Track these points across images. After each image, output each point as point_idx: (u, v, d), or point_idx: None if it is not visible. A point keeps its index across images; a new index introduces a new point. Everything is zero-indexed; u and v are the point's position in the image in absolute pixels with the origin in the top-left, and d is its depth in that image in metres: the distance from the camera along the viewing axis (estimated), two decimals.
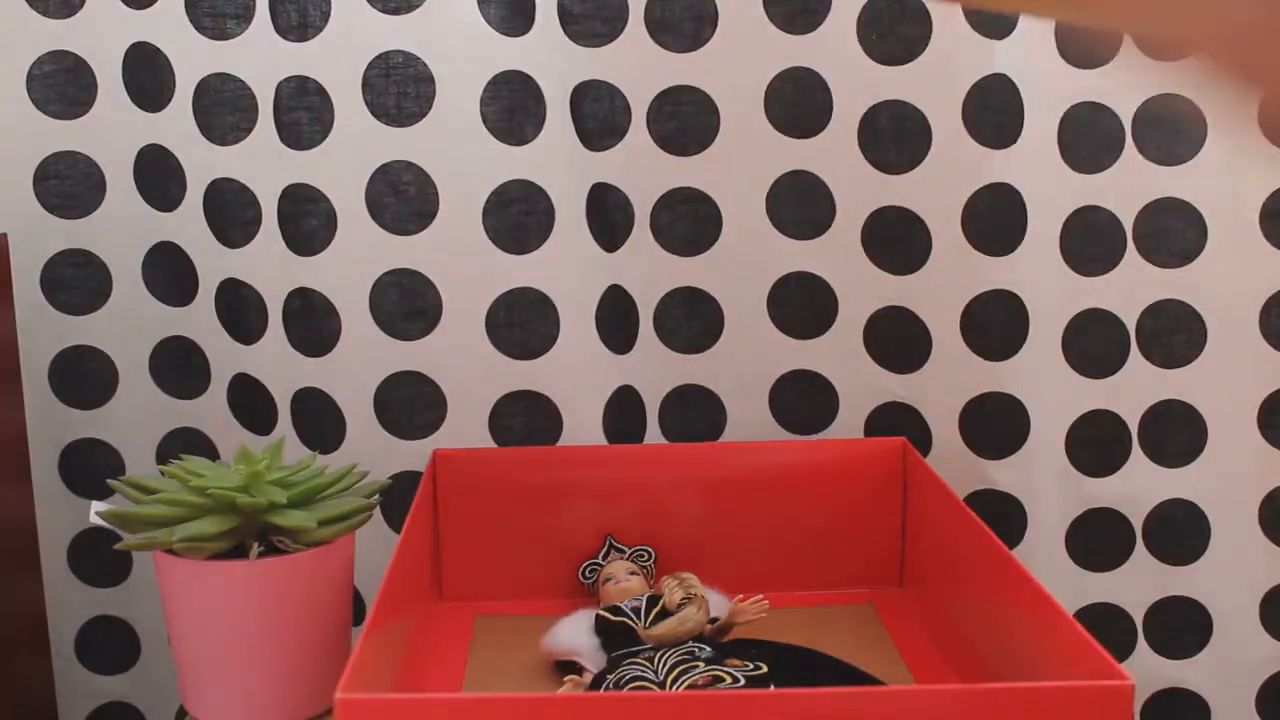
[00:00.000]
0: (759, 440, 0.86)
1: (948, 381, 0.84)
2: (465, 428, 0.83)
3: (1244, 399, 0.85)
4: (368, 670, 0.54)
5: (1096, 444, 0.85)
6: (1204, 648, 0.87)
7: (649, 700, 0.55)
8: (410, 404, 0.83)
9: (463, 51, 0.79)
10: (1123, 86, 0.81)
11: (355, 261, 0.81)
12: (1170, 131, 0.82)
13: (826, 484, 0.82)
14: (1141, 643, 0.88)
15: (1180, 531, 0.86)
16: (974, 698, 0.51)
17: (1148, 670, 0.88)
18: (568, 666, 0.70)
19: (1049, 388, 0.84)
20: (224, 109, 0.81)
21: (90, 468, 0.88)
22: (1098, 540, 0.86)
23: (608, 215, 0.84)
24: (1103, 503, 0.86)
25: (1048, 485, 0.85)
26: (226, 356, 0.85)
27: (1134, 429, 0.85)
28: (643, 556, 0.81)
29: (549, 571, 0.82)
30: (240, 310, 0.84)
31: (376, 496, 0.74)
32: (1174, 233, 0.83)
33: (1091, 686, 0.51)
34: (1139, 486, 0.86)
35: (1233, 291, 0.83)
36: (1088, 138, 0.82)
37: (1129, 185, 0.83)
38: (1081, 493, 0.86)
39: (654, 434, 0.87)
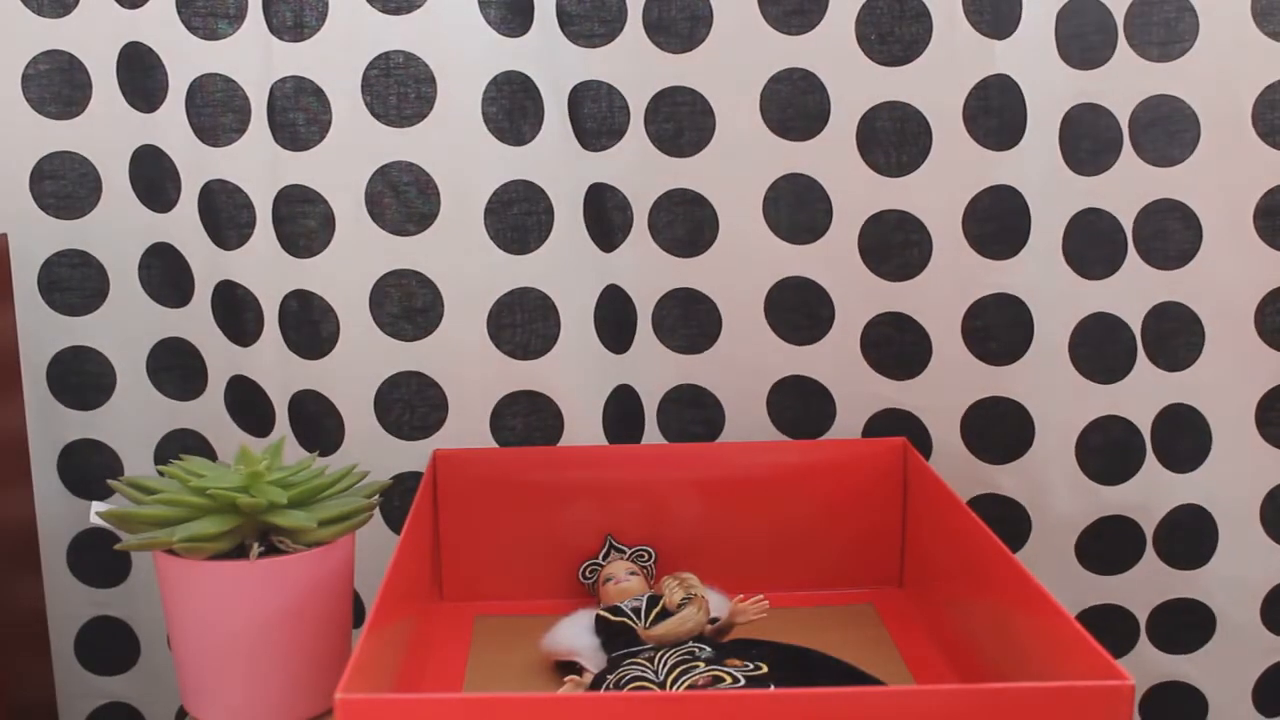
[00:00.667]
0: (750, 440, 0.86)
1: (948, 387, 0.84)
2: (467, 428, 0.83)
3: (1243, 398, 0.85)
4: (368, 670, 0.54)
5: (1108, 450, 0.84)
6: (1205, 644, 0.88)
7: (649, 700, 0.55)
8: (411, 405, 0.83)
9: (463, 51, 0.79)
10: (1121, 88, 0.81)
11: (355, 262, 0.81)
12: (1166, 132, 0.82)
13: (827, 484, 0.82)
14: (1142, 637, 0.88)
15: (1189, 536, 0.86)
16: (974, 698, 0.51)
17: (1146, 663, 0.88)
18: (568, 667, 0.70)
19: (1055, 393, 0.83)
20: (217, 110, 0.81)
21: (89, 468, 0.88)
22: (1109, 547, 0.86)
23: (606, 215, 0.84)
24: (1117, 510, 0.85)
25: (1054, 491, 0.84)
26: (224, 358, 0.85)
27: (1147, 434, 0.85)
28: (643, 557, 0.81)
29: (549, 572, 0.82)
30: (237, 312, 0.84)
31: (376, 497, 0.74)
32: (1171, 234, 0.83)
33: (1091, 687, 0.51)
34: (1153, 493, 0.85)
35: (1229, 291, 0.83)
36: (1088, 139, 0.82)
37: (1128, 187, 0.83)
38: (1094, 500, 0.85)
39: (652, 434, 0.87)
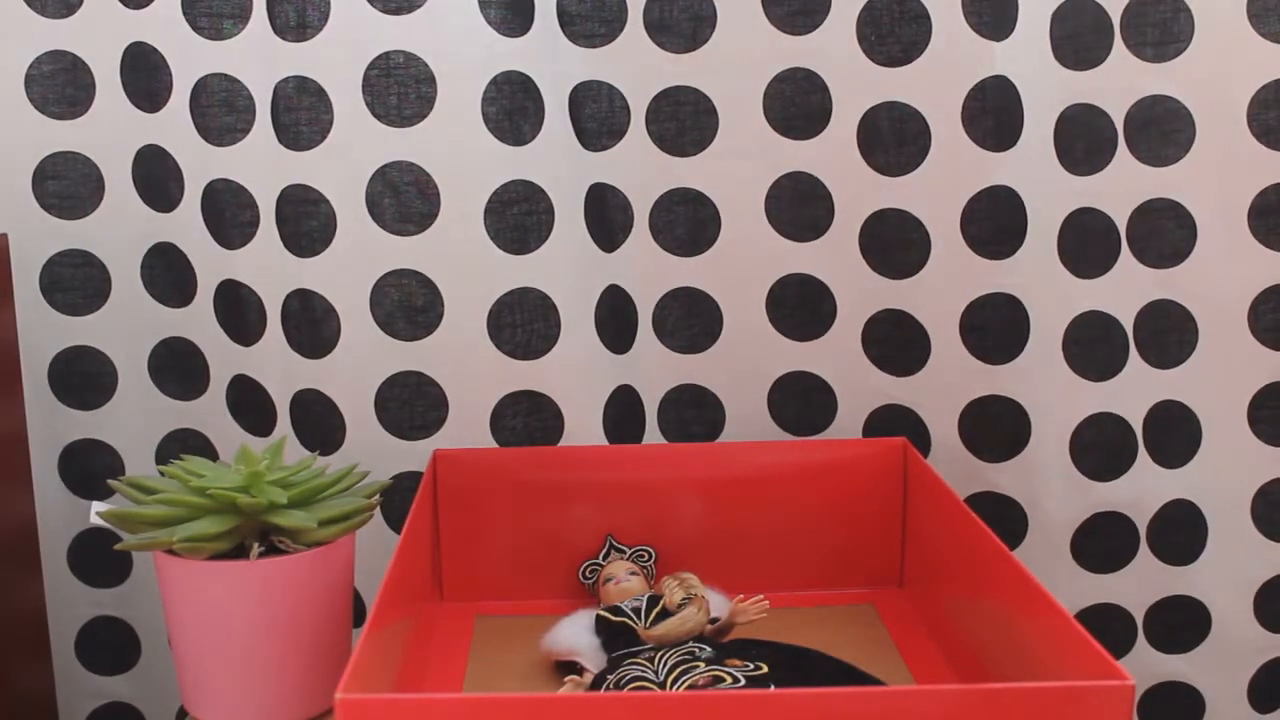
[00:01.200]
0: (758, 441, 0.86)
1: (947, 385, 0.84)
2: (467, 428, 0.83)
3: (1235, 396, 0.85)
4: (368, 670, 0.54)
5: (1102, 447, 0.85)
6: (1201, 643, 0.88)
7: (649, 700, 0.55)
8: (411, 404, 0.83)
9: (463, 52, 0.79)
10: (1117, 88, 0.82)
11: (355, 262, 0.81)
12: (1161, 132, 0.82)
13: (827, 484, 0.82)
14: (1140, 638, 0.88)
15: (1181, 532, 0.87)
16: (974, 698, 0.51)
17: (1144, 665, 0.88)
18: (568, 667, 0.71)
19: (1050, 391, 0.84)
20: (221, 110, 0.81)
21: (90, 468, 0.88)
22: (1104, 544, 0.86)
23: (607, 215, 0.85)
24: (1110, 506, 0.86)
25: (1050, 489, 0.85)
26: (226, 357, 0.85)
27: (1139, 431, 0.85)
28: (643, 557, 0.81)
29: (549, 572, 0.82)
30: (239, 311, 0.84)
31: (377, 497, 0.74)
32: (1165, 233, 0.83)
33: (1092, 687, 0.51)
34: (1145, 489, 0.86)
35: (1223, 290, 0.84)
36: (1084, 139, 0.82)
37: (1123, 187, 0.83)
38: (1088, 497, 0.85)
39: (652, 434, 0.87)
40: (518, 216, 0.81)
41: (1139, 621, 0.88)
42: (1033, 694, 0.51)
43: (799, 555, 0.83)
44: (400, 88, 0.79)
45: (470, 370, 0.83)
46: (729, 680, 0.62)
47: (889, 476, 0.83)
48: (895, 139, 0.82)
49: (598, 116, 0.83)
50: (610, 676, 0.66)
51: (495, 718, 0.51)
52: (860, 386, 0.86)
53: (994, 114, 0.80)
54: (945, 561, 0.76)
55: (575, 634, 0.72)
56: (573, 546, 0.82)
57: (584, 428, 0.84)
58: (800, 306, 0.85)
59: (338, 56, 0.79)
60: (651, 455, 0.84)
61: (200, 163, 0.82)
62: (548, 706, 0.52)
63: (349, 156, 0.80)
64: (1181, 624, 0.88)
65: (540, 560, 0.82)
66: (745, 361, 0.86)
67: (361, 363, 0.83)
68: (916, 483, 0.81)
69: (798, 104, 0.82)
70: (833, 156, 0.82)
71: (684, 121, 0.83)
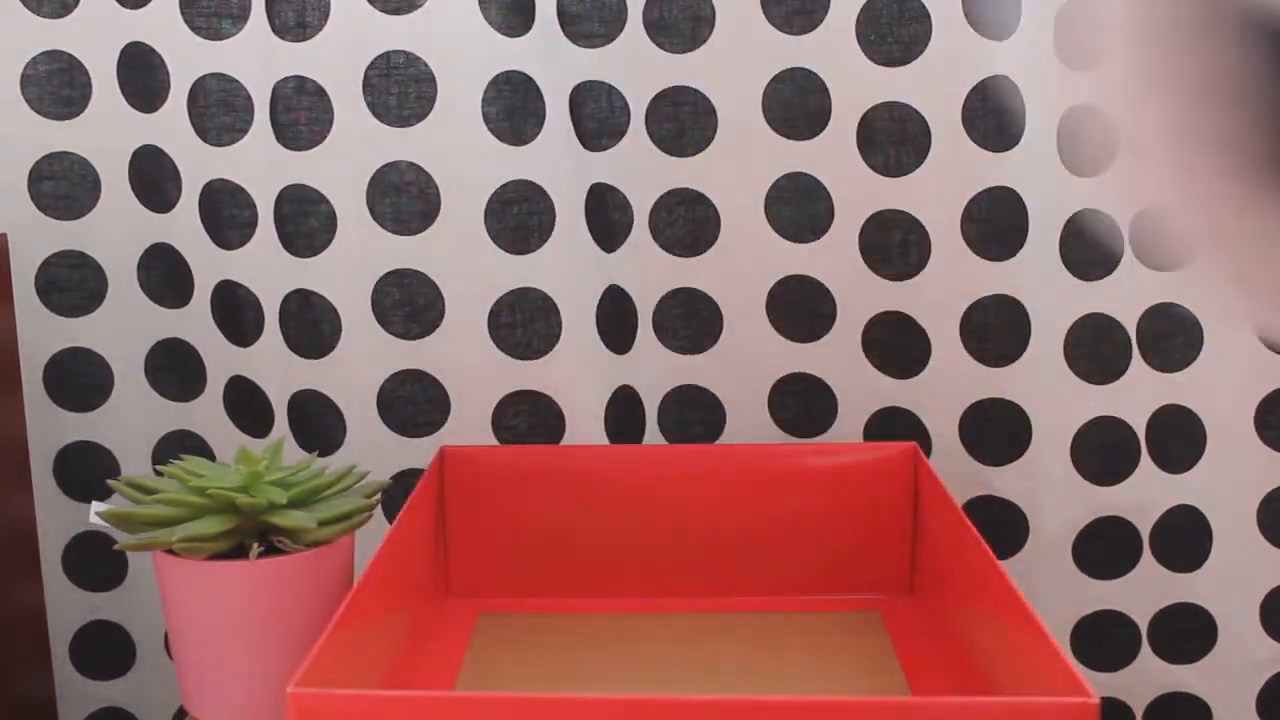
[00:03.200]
0: (758, 443, 0.86)
1: (948, 387, 0.84)
2: (467, 428, 0.83)
3: (1242, 400, 0.85)
4: (330, 665, 0.52)
5: (1103, 451, 0.84)
6: (1207, 652, 0.87)
7: (643, 703, 0.52)
8: (413, 404, 0.83)
9: (463, 51, 0.79)
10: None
11: (356, 262, 0.81)
12: None
13: (835, 488, 0.81)
14: (1145, 647, 0.88)
15: (1185, 537, 0.86)
16: (926, 712, 0.49)
17: (1150, 675, 0.88)
18: None
19: (1051, 394, 0.83)
20: (219, 110, 0.81)
21: (85, 471, 0.87)
22: (1106, 548, 0.86)
23: (606, 215, 0.84)
24: (1112, 511, 0.85)
25: (1051, 492, 0.84)
26: (223, 359, 0.85)
27: (1141, 435, 0.85)
28: None
29: (554, 569, 0.81)
30: (237, 312, 0.83)
31: (377, 496, 0.74)
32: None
33: (1053, 704, 0.48)
34: (1147, 493, 0.85)
35: None
36: (1086, 140, 0.82)
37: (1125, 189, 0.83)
38: (1089, 501, 0.85)
39: (653, 434, 0.87)
40: (518, 216, 0.81)
41: (1143, 630, 0.88)
42: (990, 710, 0.48)
43: (804, 559, 0.81)
44: (400, 88, 0.79)
45: (471, 370, 0.82)
46: None
47: (898, 482, 0.81)
48: (895, 139, 0.81)
49: (598, 116, 0.83)
50: None
51: (456, 716, 0.49)
52: (861, 388, 0.86)
53: (995, 114, 0.80)
54: (947, 569, 0.75)
55: None
56: (578, 545, 0.81)
57: (584, 428, 0.83)
58: (800, 307, 0.85)
59: (337, 56, 0.79)
60: (655, 456, 0.83)
61: (198, 163, 0.82)
62: (510, 706, 0.50)
63: (349, 156, 0.80)
64: (1187, 632, 0.87)
65: (545, 558, 0.81)
66: (745, 362, 0.86)
67: (362, 363, 0.82)
68: (927, 489, 0.80)
69: (797, 104, 0.82)
70: (833, 156, 0.82)
71: (684, 121, 0.83)
